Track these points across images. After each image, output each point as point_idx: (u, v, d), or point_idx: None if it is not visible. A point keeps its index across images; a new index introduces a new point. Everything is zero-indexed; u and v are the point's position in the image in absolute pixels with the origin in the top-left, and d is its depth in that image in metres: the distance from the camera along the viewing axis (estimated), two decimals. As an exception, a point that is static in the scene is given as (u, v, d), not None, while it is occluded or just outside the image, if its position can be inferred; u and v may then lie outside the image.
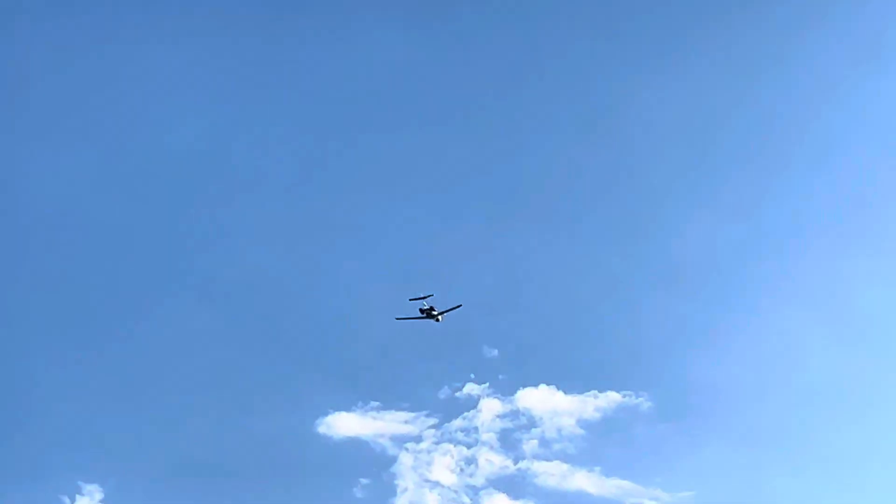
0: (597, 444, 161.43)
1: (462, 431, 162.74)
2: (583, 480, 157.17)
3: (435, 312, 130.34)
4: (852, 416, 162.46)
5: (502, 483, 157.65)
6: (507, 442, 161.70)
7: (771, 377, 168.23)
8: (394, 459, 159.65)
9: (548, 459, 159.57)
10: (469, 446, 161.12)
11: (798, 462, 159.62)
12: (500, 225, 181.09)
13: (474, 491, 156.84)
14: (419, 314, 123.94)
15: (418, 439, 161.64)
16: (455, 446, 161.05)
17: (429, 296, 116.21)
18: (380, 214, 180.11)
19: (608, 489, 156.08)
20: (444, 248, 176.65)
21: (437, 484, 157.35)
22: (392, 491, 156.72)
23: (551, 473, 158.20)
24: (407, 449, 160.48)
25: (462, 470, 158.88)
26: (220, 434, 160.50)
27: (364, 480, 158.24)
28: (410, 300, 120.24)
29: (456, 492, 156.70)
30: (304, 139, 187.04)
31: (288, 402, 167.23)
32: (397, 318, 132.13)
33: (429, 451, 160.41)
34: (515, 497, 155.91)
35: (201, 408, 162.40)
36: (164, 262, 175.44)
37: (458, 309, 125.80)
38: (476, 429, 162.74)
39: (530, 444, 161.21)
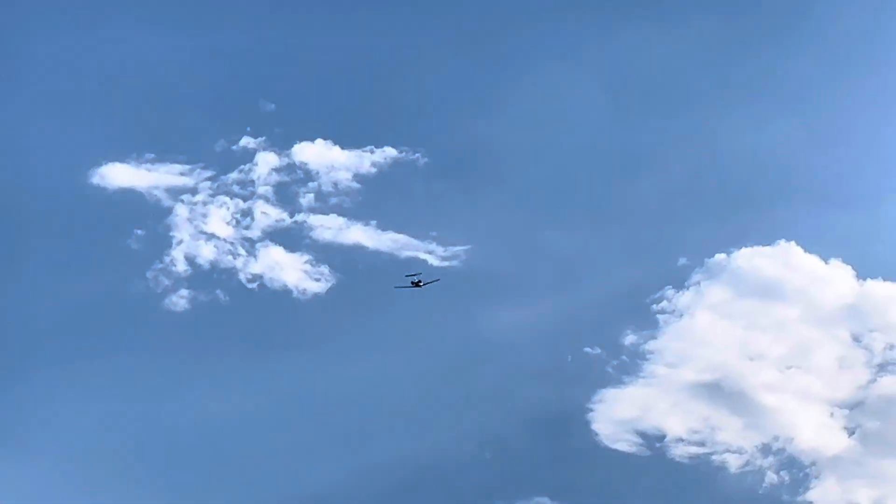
0: (373, 199, 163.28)
1: (238, 184, 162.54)
2: (359, 234, 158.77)
3: (421, 284, 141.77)
4: (622, 175, 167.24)
5: (279, 236, 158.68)
6: (284, 195, 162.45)
7: (545, 137, 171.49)
8: (169, 211, 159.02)
9: (324, 213, 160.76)
10: (245, 199, 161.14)
11: (568, 218, 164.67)
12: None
13: (250, 243, 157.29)
14: (410, 285, 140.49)
15: (194, 191, 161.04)
16: (231, 199, 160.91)
17: (419, 273, 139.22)
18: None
19: (384, 242, 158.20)
20: None
21: (212, 236, 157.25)
22: (167, 242, 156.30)
23: (327, 227, 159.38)
24: (182, 201, 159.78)
25: (238, 222, 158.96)
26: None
27: (139, 232, 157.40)
28: (406, 276, 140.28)
29: (232, 244, 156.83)
30: None
31: (59, 151, 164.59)
32: (395, 287, 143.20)
33: (204, 204, 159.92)
34: (292, 250, 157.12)
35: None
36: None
37: (437, 282, 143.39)
38: (252, 182, 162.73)
39: (307, 198, 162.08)
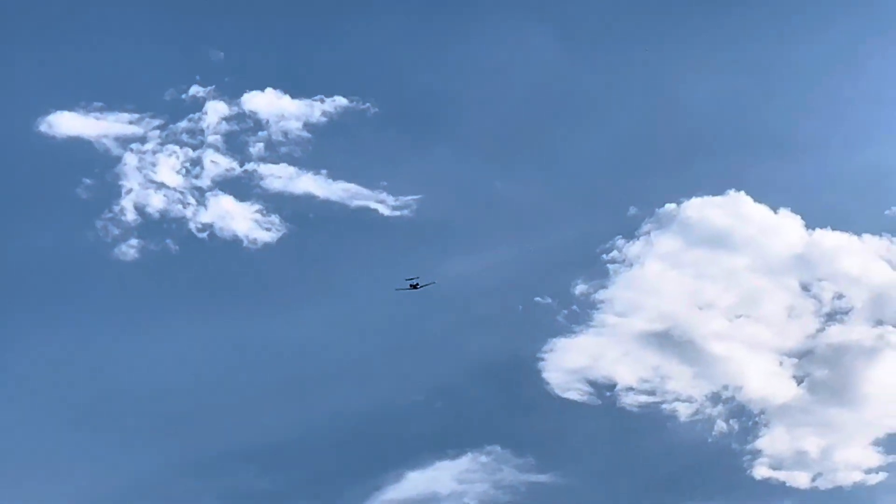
0: (323, 148, 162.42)
1: (187, 133, 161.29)
2: (309, 183, 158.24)
3: (419, 285, 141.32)
4: (573, 124, 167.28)
5: (228, 185, 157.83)
6: (234, 144, 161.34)
7: (496, 87, 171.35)
8: (118, 160, 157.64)
9: (274, 162, 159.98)
10: (195, 148, 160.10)
11: (519, 168, 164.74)
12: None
13: (200, 192, 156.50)
14: (409, 287, 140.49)
15: (143, 140, 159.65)
16: (181, 148, 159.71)
17: (417, 277, 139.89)
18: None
19: (335, 192, 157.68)
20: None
21: (162, 185, 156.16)
22: (116, 192, 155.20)
23: (278, 176, 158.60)
24: (131, 150, 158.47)
25: (188, 171, 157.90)
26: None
27: (87, 181, 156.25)
28: (405, 279, 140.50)
29: (182, 193, 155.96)
30: None
31: (5, 99, 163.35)
32: (397, 289, 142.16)
33: (154, 153, 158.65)
34: (242, 199, 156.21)
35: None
36: None
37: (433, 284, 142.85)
38: (202, 131, 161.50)
39: (257, 147, 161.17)
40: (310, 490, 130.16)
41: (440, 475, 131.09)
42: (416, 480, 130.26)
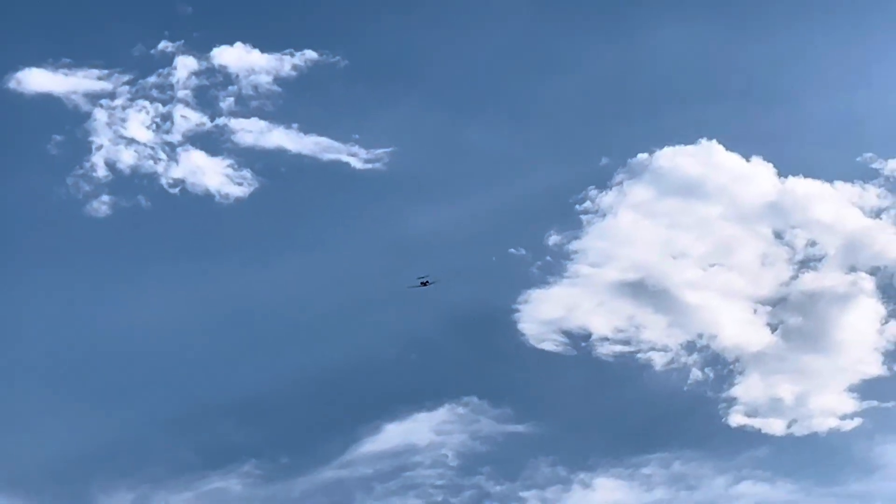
0: (294, 102, 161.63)
1: (157, 89, 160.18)
2: (281, 137, 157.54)
3: (429, 282, 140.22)
4: (544, 74, 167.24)
5: (199, 140, 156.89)
6: (204, 99, 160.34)
7: (467, 37, 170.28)
8: (88, 116, 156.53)
9: (245, 117, 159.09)
10: (165, 103, 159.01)
11: (491, 118, 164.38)
12: None
13: (171, 147, 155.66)
14: (420, 285, 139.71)
15: (112, 96, 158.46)
16: (150, 103, 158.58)
17: (427, 276, 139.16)
18: None
19: (306, 146, 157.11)
20: None
21: (132, 141, 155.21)
22: (87, 148, 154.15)
23: (249, 130, 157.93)
24: (101, 105, 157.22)
25: (158, 127, 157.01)
26: None
27: (57, 137, 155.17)
28: (417, 278, 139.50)
29: (153, 148, 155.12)
30: None
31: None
32: (408, 287, 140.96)
33: (123, 108, 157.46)
34: (213, 154, 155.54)
35: None
36: None
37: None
38: (171, 86, 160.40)
39: (227, 102, 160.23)
40: (287, 443, 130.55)
41: (418, 427, 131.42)
42: (394, 432, 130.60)
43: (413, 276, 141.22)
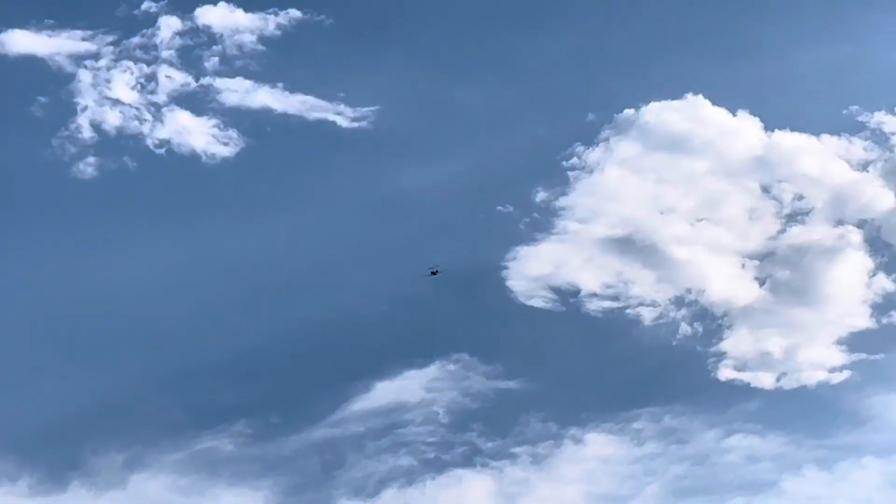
0: (279, 61, 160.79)
1: (141, 49, 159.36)
2: (266, 97, 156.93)
3: (437, 272, 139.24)
4: (529, 31, 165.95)
5: (184, 100, 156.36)
6: (188, 59, 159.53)
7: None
8: (72, 77, 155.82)
9: (230, 76, 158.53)
10: (149, 64, 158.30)
11: (476, 75, 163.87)
12: None
13: (156, 108, 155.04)
14: (430, 274, 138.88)
15: (97, 57, 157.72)
16: (135, 64, 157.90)
17: (436, 266, 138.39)
18: None
19: (292, 105, 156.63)
20: None
21: (117, 101, 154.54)
22: (72, 109, 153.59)
23: (234, 90, 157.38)
24: (85, 66, 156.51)
25: (143, 87, 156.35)
26: None
27: (42, 99, 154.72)
28: (428, 268, 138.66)
29: (138, 109, 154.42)
30: None
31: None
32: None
33: (108, 69, 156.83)
34: (199, 114, 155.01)
35: None
36: None
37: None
38: (156, 46, 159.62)
39: (211, 62, 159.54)
40: (277, 403, 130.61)
41: (408, 384, 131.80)
42: (385, 390, 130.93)
43: (403, 235, 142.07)
